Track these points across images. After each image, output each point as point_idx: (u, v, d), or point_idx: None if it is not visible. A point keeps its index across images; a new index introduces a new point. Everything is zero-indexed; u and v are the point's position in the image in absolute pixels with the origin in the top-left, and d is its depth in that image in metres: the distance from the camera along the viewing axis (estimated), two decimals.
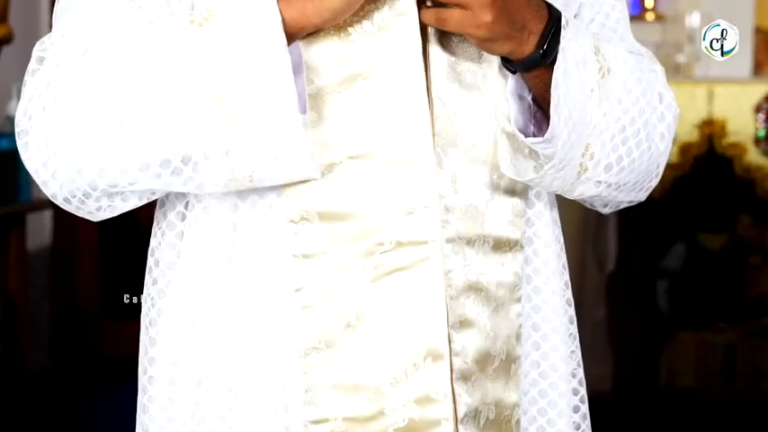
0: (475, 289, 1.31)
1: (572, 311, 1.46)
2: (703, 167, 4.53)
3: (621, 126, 1.33)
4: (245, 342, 1.31)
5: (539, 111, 1.34)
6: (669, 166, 4.37)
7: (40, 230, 5.43)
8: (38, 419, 4.68)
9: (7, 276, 4.64)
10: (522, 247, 1.37)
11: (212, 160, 1.21)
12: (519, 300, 1.37)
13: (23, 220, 4.80)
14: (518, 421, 1.36)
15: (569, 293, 1.46)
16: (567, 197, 1.41)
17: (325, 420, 1.27)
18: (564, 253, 1.47)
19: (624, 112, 1.32)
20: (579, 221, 4.83)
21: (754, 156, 4.34)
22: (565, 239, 1.49)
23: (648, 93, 1.36)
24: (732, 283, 4.84)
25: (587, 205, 1.50)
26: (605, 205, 1.49)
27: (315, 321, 1.27)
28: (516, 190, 1.36)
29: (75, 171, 1.24)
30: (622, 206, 1.50)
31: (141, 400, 1.39)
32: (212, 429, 1.32)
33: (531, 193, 1.40)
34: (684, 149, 4.37)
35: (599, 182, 1.36)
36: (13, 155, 4.01)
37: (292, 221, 1.27)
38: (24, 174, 4.50)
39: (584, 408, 1.46)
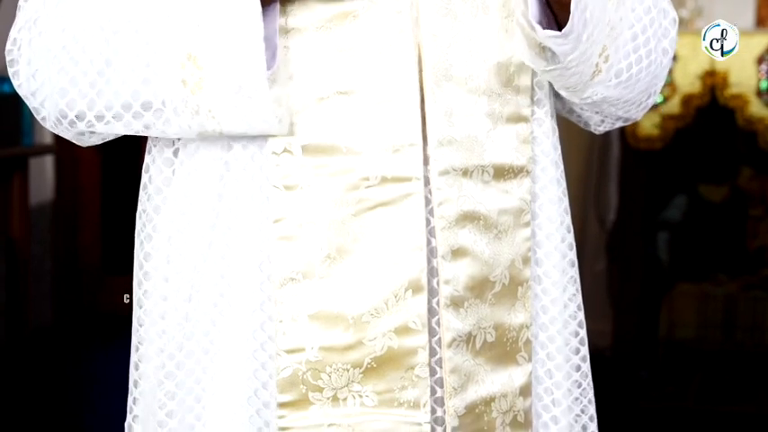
0: (471, 218, 1.32)
1: (571, 239, 1.47)
2: (705, 119, 4.52)
3: (634, 33, 1.36)
4: (231, 261, 1.33)
5: (552, 15, 1.33)
6: (671, 117, 4.40)
7: (42, 185, 5.43)
8: (40, 374, 4.70)
9: (10, 221, 4.65)
10: (528, 172, 1.39)
11: (183, 116, 1.26)
12: (527, 224, 1.39)
13: (26, 164, 4.80)
14: (528, 341, 1.37)
15: (569, 220, 1.47)
16: (573, 99, 1.41)
17: (300, 350, 1.28)
18: (564, 179, 1.47)
19: (637, 20, 1.36)
20: (580, 177, 4.83)
21: (756, 107, 4.31)
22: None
23: (657, 5, 1.41)
24: (733, 235, 4.83)
25: (581, 125, 1.52)
26: (602, 121, 1.51)
27: (293, 252, 1.28)
28: (521, 116, 1.38)
29: (63, 103, 1.28)
30: (617, 125, 1.51)
31: (137, 313, 1.41)
32: (198, 344, 1.34)
33: (533, 119, 1.40)
34: (686, 101, 4.35)
35: (608, 86, 1.37)
36: (16, 98, 4.00)
37: (275, 153, 1.29)
38: (27, 117, 4.49)
39: (584, 350, 1.47)
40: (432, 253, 1.31)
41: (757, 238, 4.78)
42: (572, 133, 3.69)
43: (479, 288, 1.34)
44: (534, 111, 1.40)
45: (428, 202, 1.31)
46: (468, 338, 1.33)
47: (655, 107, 4.13)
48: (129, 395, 1.41)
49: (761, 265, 4.75)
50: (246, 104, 1.24)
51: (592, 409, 1.48)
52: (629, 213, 4.63)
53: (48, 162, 5.46)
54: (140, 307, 1.40)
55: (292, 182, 1.29)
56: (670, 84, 4.29)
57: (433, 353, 1.31)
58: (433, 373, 1.31)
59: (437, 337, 1.32)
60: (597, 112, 1.48)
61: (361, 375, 1.28)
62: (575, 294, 1.46)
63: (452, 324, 1.31)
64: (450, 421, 1.31)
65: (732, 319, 4.59)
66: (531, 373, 1.39)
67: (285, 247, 1.29)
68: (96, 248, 5.80)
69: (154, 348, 1.37)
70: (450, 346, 1.31)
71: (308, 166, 1.29)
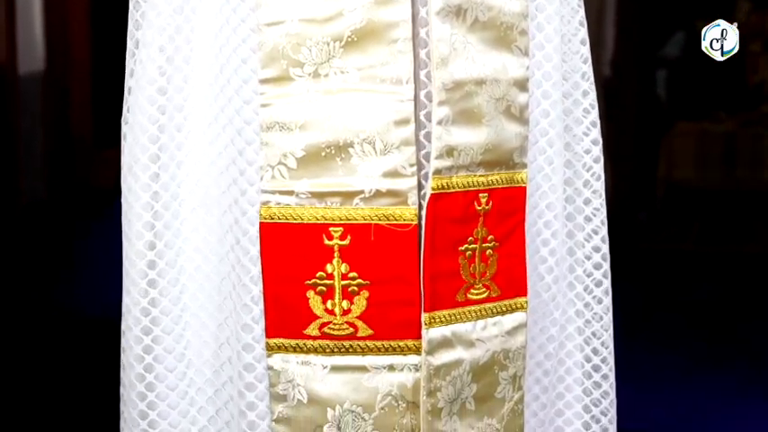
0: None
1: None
2: None
3: None
4: None
5: None
6: None
7: (32, 55, 5.33)
8: (34, 248, 4.68)
9: None
10: None
11: None
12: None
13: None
14: (524, 32, 1.33)
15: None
16: None
17: (280, 22, 1.26)
18: None
19: None
20: None
21: None
22: None
23: None
24: (732, 71, 4.73)
25: None
26: None
27: None
28: None
29: None
30: None
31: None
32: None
33: None
34: None
35: None
36: None
37: None
38: None
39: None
40: None
41: (757, 74, 4.69)
42: None
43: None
44: None
45: None
46: (459, 12, 1.28)
47: None
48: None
49: (760, 102, 4.68)
50: None
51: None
52: (627, 51, 4.54)
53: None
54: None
55: None
56: None
57: (422, 23, 1.28)
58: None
59: (426, 8, 1.27)
60: None
61: (341, 50, 1.25)
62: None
63: None
64: (437, 95, 1.26)
65: (732, 157, 4.53)
66: (527, 68, 1.35)
67: None
68: (87, 122, 5.72)
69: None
70: (438, 13, 1.26)
71: None
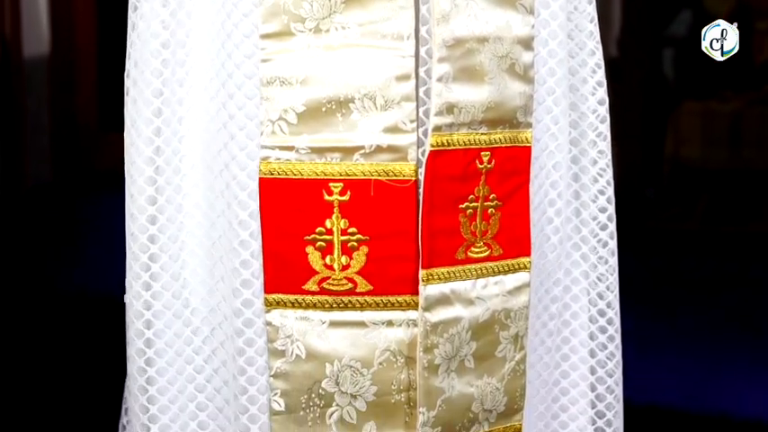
0: None
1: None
2: None
3: None
4: None
5: None
6: None
7: (37, 37, 5.32)
8: (38, 229, 4.68)
9: (2, 17, 4.49)
10: None
11: None
12: None
13: None
14: None
15: None
16: None
17: None
18: None
19: None
20: None
21: None
22: None
23: None
24: (739, 50, 4.70)
25: None
26: None
27: None
28: None
29: None
30: None
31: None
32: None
33: None
34: None
35: None
36: None
37: None
38: None
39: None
40: None
41: (763, 53, 4.66)
42: None
43: None
44: None
45: None
46: None
47: None
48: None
49: (766, 81, 4.65)
50: None
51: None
52: (633, 29, 4.52)
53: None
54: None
55: None
56: None
57: None
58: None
59: None
60: None
61: (343, 5, 1.25)
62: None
63: None
64: (437, 51, 1.25)
65: (738, 136, 4.51)
66: (532, 26, 1.33)
67: None
68: (93, 106, 5.71)
69: None
70: None
71: None
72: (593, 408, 1.50)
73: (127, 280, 1.37)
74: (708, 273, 3.99)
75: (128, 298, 1.37)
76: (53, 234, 4.66)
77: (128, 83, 1.36)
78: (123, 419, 1.50)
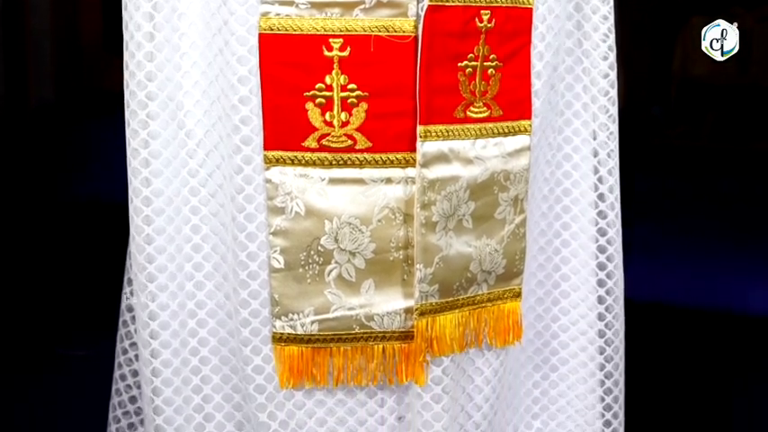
0: None
1: None
2: None
3: None
4: None
5: None
6: None
7: None
8: (41, 150, 4.68)
9: None
10: None
11: None
12: None
13: None
14: None
15: None
16: None
17: None
18: None
19: None
20: None
21: None
22: None
23: None
24: None
25: None
26: None
27: None
28: None
29: None
30: None
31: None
32: None
33: None
34: None
35: None
36: None
37: None
38: None
39: None
40: None
41: None
42: None
43: None
44: None
45: None
46: None
47: None
48: None
49: None
50: None
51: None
52: None
53: None
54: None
55: None
56: None
57: None
58: None
59: None
60: None
61: None
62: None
63: None
64: None
65: (748, 54, 4.47)
66: None
67: None
68: (97, 27, 5.66)
69: None
70: None
71: None
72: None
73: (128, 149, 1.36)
74: (715, 189, 3.99)
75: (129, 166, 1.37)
76: (56, 152, 4.66)
77: None
78: (126, 290, 1.51)
